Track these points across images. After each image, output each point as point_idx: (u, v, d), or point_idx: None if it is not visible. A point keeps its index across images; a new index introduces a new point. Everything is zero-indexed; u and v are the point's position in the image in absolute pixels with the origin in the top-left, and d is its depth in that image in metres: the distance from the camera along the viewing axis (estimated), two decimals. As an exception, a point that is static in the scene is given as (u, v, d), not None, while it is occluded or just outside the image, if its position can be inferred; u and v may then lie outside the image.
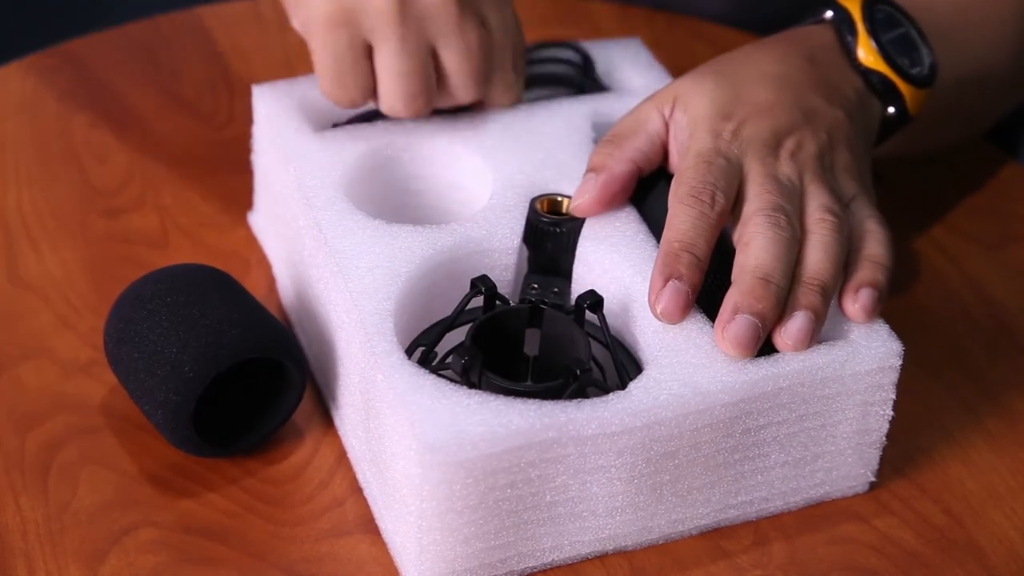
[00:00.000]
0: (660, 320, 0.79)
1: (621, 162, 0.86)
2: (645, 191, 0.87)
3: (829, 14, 0.91)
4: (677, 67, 0.96)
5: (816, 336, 0.79)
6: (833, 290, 0.80)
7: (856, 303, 0.81)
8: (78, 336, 0.89)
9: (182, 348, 0.79)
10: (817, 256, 0.80)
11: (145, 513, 0.80)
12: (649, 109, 0.87)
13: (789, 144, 0.84)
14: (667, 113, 0.86)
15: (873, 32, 0.90)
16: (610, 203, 0.85)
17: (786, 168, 0.83)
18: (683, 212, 0.80)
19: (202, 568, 0.78)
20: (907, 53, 0.91)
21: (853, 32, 0.90)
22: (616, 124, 0.88)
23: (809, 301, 0.79)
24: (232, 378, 0.82)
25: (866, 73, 0.89)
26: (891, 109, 0.90)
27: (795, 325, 0.78)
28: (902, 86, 0.90)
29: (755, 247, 0.79)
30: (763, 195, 0.82)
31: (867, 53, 0.89)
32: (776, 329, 0.79)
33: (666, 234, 0.80)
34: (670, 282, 0.79)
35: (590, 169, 0.86)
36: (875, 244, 0.83)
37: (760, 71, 0.87)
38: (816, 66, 0.89)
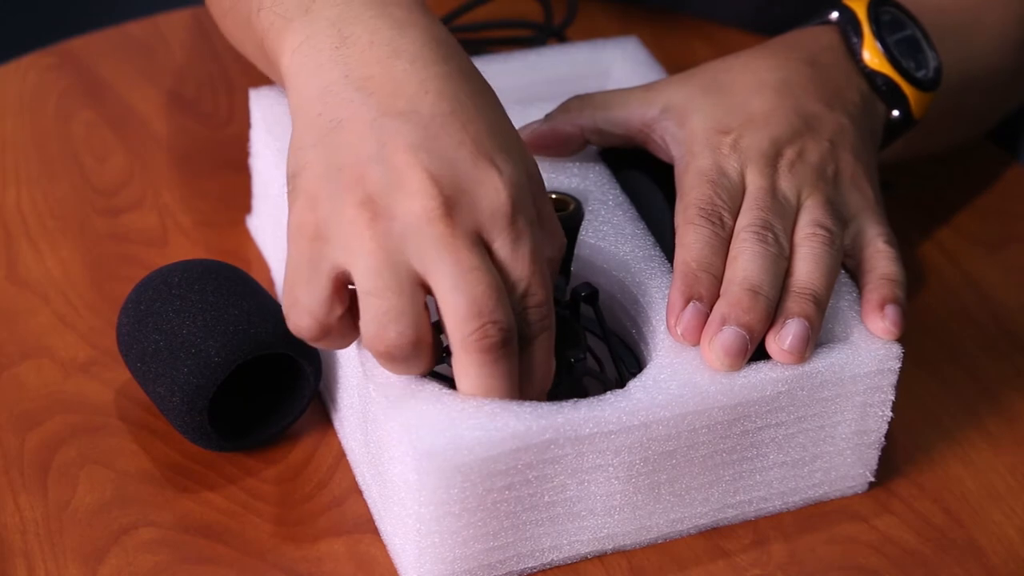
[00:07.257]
0: (679, 340, 0.78)
1: (568, 124, 0.87)
2: (638, 191, 0.87)
3: (834, 15, 0.90)
4: (677, 67, 0.96)
5: (812, 347, 0.78)
6: (825, 301, 0.79)
7: (885, 319, 0.79)
8: (77, 335, 0.89)
9: (208, 334, 0.79)
10: (807, 267, 0.80)
11: (144, 512, 0.80)
12: (636, 105, 0.87)
13: (789, 153, 0.83)
14: (654, 114, 0.86)
15: (879, 34, 0.89)
16: (538, 151, 0.87)
17: (784, 181, 0.83)
18: (695, 232, 0.80)
19: (201, 567, 0.78)
20: (913, 56, 0.90)
21: (859, 33, 0.89)
22: (599, 93, 0.88)
23: (802, 308, 0.78)
24: (243, 375, 0.82)
25: (871, 75, 0.88)
26: (895, 112, 0.89)
27: (790, 331, 0.77)
28: (907, 89, 0.89)
29: (742, 261, 0.79)
30: (754, 211, 0.81)
31: (872, 55, 0.88)
32: (770, 337, 0.78)
33: (681, 254, 0.79)
34: (691, 303, 0.78)
35: (544, 117, 0.88)
36: (886, 263, 0.82)
37: (757, 79, 0.86)
38: (818, 69, 0.87)
